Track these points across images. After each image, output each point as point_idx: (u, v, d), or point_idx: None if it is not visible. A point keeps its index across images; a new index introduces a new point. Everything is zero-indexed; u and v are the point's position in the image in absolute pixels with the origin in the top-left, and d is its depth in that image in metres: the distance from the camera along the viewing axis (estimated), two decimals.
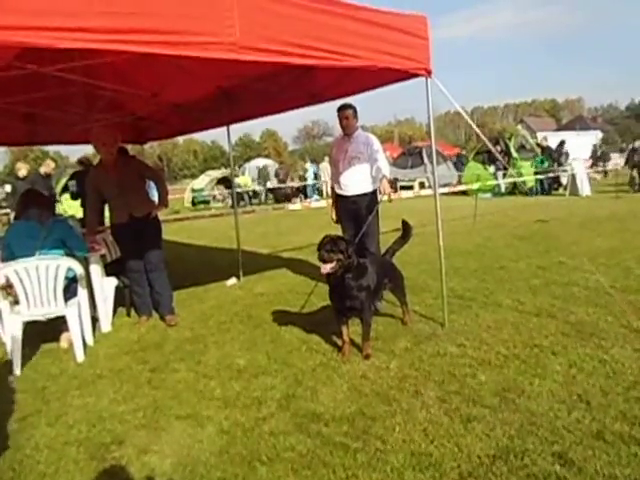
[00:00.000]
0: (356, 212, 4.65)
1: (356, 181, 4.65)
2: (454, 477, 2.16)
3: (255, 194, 22.68)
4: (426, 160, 19.56)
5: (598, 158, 21.63)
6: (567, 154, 16.79)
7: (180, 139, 63.63)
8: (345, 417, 2.77)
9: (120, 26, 2.40)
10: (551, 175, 15.56)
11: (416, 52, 3.76)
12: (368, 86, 4.70)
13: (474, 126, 4.32)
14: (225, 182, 22.36)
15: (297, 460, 2.43)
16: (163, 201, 5.12)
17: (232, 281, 6.36)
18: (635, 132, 21.63)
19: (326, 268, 3.48)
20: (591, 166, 18.93)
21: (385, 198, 4.38)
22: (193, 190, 23.44)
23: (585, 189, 14.77)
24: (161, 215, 5.22)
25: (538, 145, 17.80)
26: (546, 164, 16.31)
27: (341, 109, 4.62)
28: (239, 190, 20.15)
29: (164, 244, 5.14)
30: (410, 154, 21.91)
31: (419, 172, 19.89)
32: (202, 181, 24.10)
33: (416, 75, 3.87)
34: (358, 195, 4.65)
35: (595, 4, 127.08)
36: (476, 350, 3.48)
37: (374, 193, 4.64)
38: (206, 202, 22.75)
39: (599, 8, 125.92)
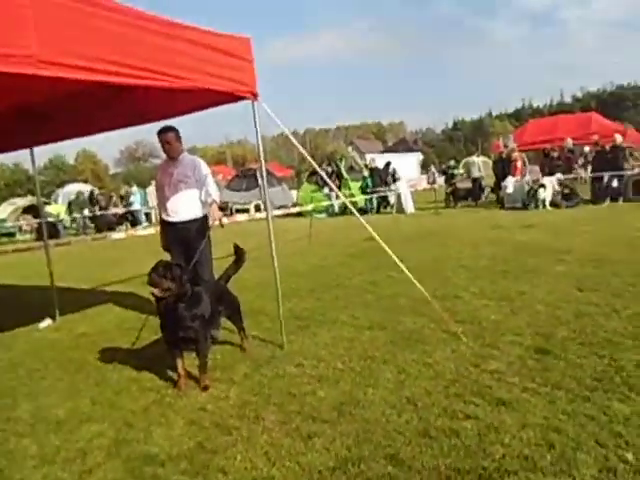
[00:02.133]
0: (186, 239, 4.47)
1: (184, 206, 4.48)
2: None
3: (73, 222, 20.49)
4: (260, 182, 19.89)
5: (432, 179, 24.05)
6: (394, 175, 18.26)
7: None
8: (183, 454, 2.65)
9: None
10: (379, 194, 16.87)
11: (241, 74, 3.71)
12: (194, 107, 4.53)
13: (301, 149, 4.51)
14: (33, 211, 19.82)
15: None
16: None
17: (46, 322, 5.63)
18: (450, 153, 25.49)
19: (155, 291, 3.33)
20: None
21: (216, 223, 4.33)
22: None
23: (409, 207, 16.35)
24: None
25: (366, 166, 19.11)
26: (371, 184, 17.53)
27: (161, 133, 4.39)
28: (51, 219, 17.99)
29: None
30: (244, 176, 21.97)
31: (254, 195, 19.96)
32: (4, 210, 21.15)
33: (243, 98, 3.83)
34: (187, 221, 4.49)
35: (414, 38, 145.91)
36: (314, 368, 3.61)
37: (204, 218, 4.50)
38: (10, 234, 19.88)
39: (418, 40, 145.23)
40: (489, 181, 17.48)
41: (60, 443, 2.91)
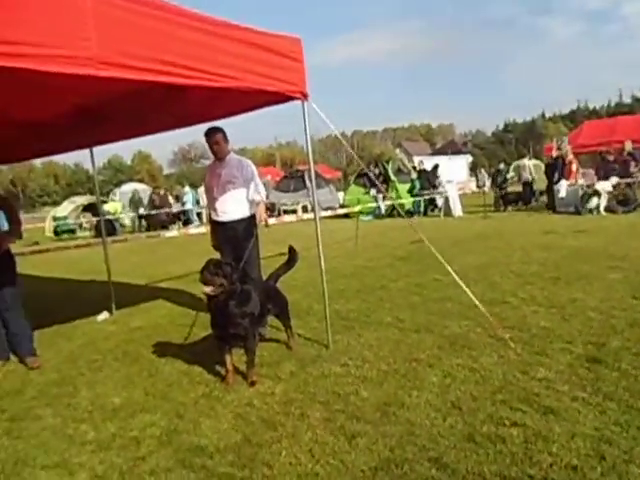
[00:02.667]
0: (235, 238, 4.58)
1: (232, 207, 4.59)
2: None
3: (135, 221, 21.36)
4: (308, 184, 19.99)
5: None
6: (439, 178, 17.89)
7: (37, 162, 57.62)
8: (230, 447, 2.74)
9: None
10: (427, 197, 16.64)
11: (291, 74, 3.71)
12: (243, 108, 4.56)
13: (350, 150, 4.54)
14: (93, 209, 20.77)
15: None
16: (14, 233, 4.62)
17: (103, 316, 5.93)
18: (500, 156, 24.54)
19: (206, 289, 3.44)
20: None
21: (262, 224, 4.40)
22: (55, 218, 21.35)
23: (457, 210, 15.97)
24: (15, 248, 4.74)
25: (414, 168, 18.82)
26: (418, 186, 17.28)
27: (209, 134, 4.49)
28: (109, 217, 18.87)
29: (22, 279, 4.68)
30: (292, 177, 22.02)
31: (302, 196, 20.05)
32: (65, 208, 22.18)
33: (292, 98, 3.83)
34: (235, 221, 4.59)
35: (465, 39, 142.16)
36: (359, 368, 3.63)
37: (251, 218, 4.58)
38: (71, 231, 20.95)
39: (469, 41, 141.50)
40: (541, 185, 16.85)
41: (115, 430, 3.08)
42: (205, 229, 5.16)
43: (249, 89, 3.49)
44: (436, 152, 53.24)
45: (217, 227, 4.77)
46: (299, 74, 3.81)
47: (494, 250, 8.29)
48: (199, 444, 2.81)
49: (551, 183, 14.62)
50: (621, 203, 12.72)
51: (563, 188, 13.88)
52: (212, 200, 4.74)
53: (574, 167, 14.33)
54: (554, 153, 15.29)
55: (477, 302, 4.17)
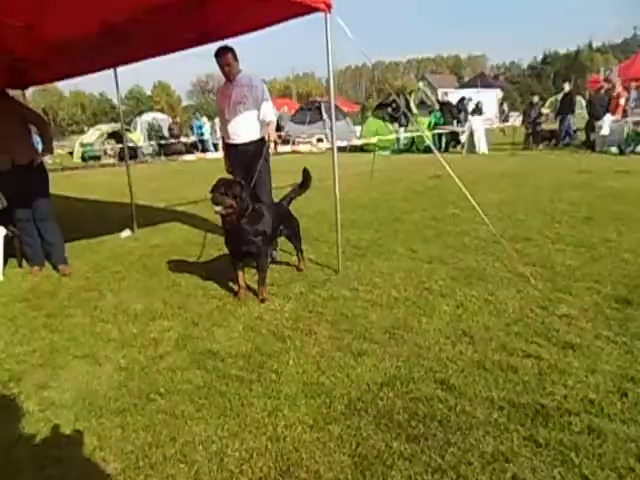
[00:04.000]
0: (246, 160, 4.51)
1: (243, 128, 4.50)
2: (344, 402, 2.29)
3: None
4: (325, 116, 19.28)
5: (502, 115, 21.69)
6: (466, 110, 16.90)
7: (66, 91, 57.93)
8: (241, 354, 2.84)
9: None
10: (448, 131, 15.64)
11: None
12: (265, 22, 4.45)
13: (379, 75, 4.25)
14: (116, 137, 20.87)
15: (194, 391, 2.48)
16: (48, 148, 4.82)
17: (126, 233, 6.13)
18: (536, 91, 22.58)
19: (217, 209, 3.45)
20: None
21: (271, 144, 4.31)
22: (82, 145, 21.77)
23: (482, 147, 14.96)
24: (48, 165, 4.94)
25: (438, 101, 17.79)
26: (442, 120, 16.23)
27: (219, 54, 4.33)
28: (131, 145, 18.91)
29: (53, 197, 4.88)
30: (308, 109, 21.30)
31: (317, 128, 19.53)
32: (91, 136, 22.35)
33: (315, 9, 3.67)
34: (247, 143, 4.52)
35: None
36: (368, 293, 3.63)
37: (262, 140, 4.49)
38: (97, 157, 21.19)
39: None
40: (580, 123, 15.81)
41: (137, 331, 3.28)
42: (221, 155, 5.12)
43: None
44: (464, 85, 49.84)
45: (230, 150, 4.71)
46: None
47: (520, 188, 7.95)
48: (212, 349, 2.93)
49: (592, 119, 13.50)
50: None
51: (607, 124, 12.59)
52: (224, 123, 4.65)
53: (622, 101, 13.03)
54: (601, 85, 14.10)
55: (496, 233, 4.00)
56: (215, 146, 21.27)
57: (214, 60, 4.41)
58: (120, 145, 19.19)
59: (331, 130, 4.29)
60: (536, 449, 1.91)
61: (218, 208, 3.44)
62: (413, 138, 16.52)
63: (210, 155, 12.44)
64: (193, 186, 10.23)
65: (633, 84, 14.06)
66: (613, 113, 12.97)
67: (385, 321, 3.15)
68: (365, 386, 2.42)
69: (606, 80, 14.85)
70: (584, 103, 15.81)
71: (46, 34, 5.19)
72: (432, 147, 5.65)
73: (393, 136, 15.70)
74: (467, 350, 2.71)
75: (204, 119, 22.83)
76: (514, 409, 2.16)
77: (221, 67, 4.41)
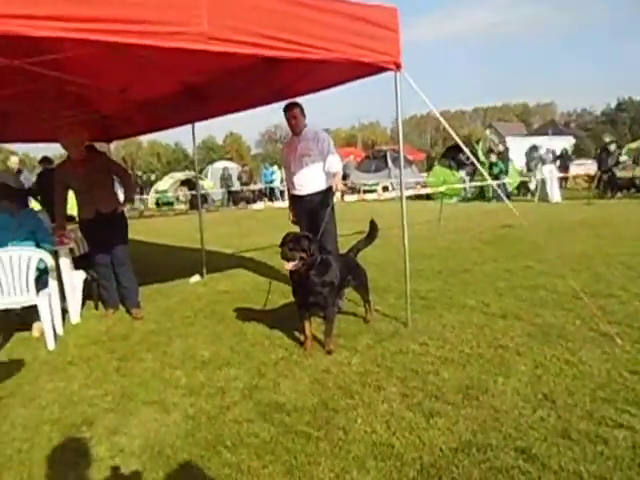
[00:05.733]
0: (312, 211, 4.61)
1: (309, 180, 4.61)
2: (416, 468, 2.17)
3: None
4: (390, 164, 19.49)
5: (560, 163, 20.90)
6: (541, 158, 16.54)
7: (144, 141, 62.69)
8: (307, 408, 2.78)
9: (86, 14, 2.39)
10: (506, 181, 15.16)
11: (385, 45, 3.67)
12: (335, 81, 4.60)
13: (445, 123, 4.18)
14: (188, 184, 22.19)
15: (260, 446, 2.44)
16: (129, 197, 5.23)
17: (195, 278, 6.33)
18: (611, 138, 21.66)
19: (289, 265, 3.49)
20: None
21: (338, 194, 4.39)
22: (157, 191, 23.31)
23: (555, 195, 14.48)
24: (127, 213, 5.26)
25: (492, 151, 17.33)
26: (496, 170, 15.82)
27: (288, 109, 4.55)
28: (202, 192, 19.95)
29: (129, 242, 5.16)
30: (374, 157, 21.74)
31: (383, 176, 19.76)
32: (166, 183, 23.95)
33: (385, 69, 3.78)
34: (312, 194, 4.62)
35: (574, 5, 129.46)
36: (439, 349, 3.49)
37: (328, 190, 4.59)
38: (170, 203, 22.53)
39: (577, 10, 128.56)
40: None
41: (204, 379, 3.31)
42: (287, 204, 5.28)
43: (343, 60, 3.48)
44: (533, 133, 48.34)
45: (295, 201, 4.83)
46: (393, 44, 3.74)
47: (599, 239, 7.51)
48: (278, 401, 2.90)
49: None
50: None
51: None
52: (290, 175, 4.80)
53: None
54: None
55: (579, 291, 3.75)
56: (282, 194, 22.00)
57: (282, 113, 4.62)
58: (192, 192, 20.33)
59: (400, 181, 4.30)
60: None
61: (289, 265, 3.50)
62: (482, 187, 16.25)
63: (278, 204, 12.84)
64: (261, 233, 10.54)
65: None
66: None
67: (458, 380, 3.00)
68: (438, 451, 2.28)
69: None
70: None
71: (135, 96, 5.74)
72: (502, 195, 5.51)
73: (460, 185, 15.49)
74: (549, 416, 2.51)
75: (275, 167, 23.74)
76: None
77: (288, 121, 4.61)
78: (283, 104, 4.68)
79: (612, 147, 15.54)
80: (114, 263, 4.94)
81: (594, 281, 4.98)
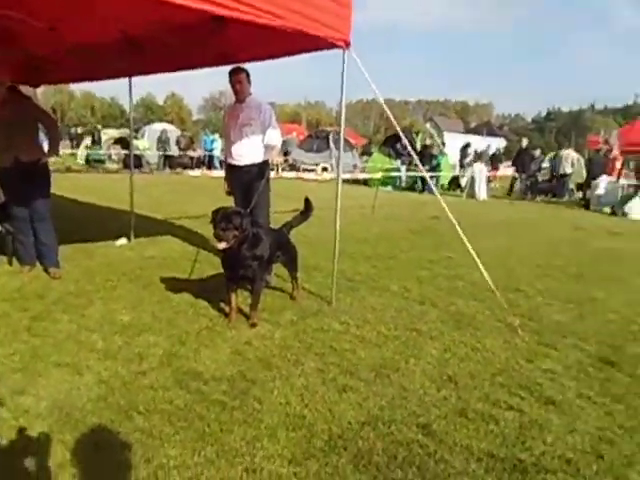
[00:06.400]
0: (247, 183, 4.56)
1: (247, 150, 4.55)
2: (324, 438, 2.28)
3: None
4: (332, 145, 19.51)
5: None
6: (471, 156, 17.40)
7: (78, 92, 58.49)
8: (225, 378, 2.82)
9: None
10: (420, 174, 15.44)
11: (336, 20, 3.61)
12: (282, 52, 4.52)
13: (386, 109, 4.24)
14: (122, 143, 21.03)
15: (174, 412, 2.45)
16: (53, 149, 4.82)
17: (122, 241, 6.10)
18: (538, 144, 23.60)
19: (221, 245, 3.46)
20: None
21: (273, 169, 4.39)
22: (87, 147, 21.88)
23: (482, 193, 15.27)
24: (51, 165, 4.92)
25: (443, 144, 18.36)
26: (434, 163, 16.36)
27: (234, 72, 4.43)
28: (137, 152, 19.04)
29: (52, 197, 4.84)
30: (317, 137, 21.61)
31: (324, 157, 19.76)
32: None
33: (334, 46, 3.72)
34: (249, 165, 4.57)
35: (521, 13, 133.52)
36: (359, 329, 3.64)
37: (265, 163, 4.56)
38: (101, 161, 21.24)
39: (525, 15, 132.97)
40: (577, 180, 16.13)
41: (122, 344, 3.23)
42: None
43: (293, 30, 3.40)
44: (470, 131, 50.51)
45: (232, 171, 4.75)
46: (345, 21, 3.69)
47: (517, 238, 8.12)
48: (196, 370, 2.91)
49: (590, 178, 13.99)
50: None
51: (603, 184, 13.18)
52: (229, 143, 4.71)
53: (618, 164, 13.69)
54: (600, 146, 14.63)
55: (490, 282, 4.04)
56: (222, 164, 21.46)
57: (228, 78, 4.49)
58: (126, 151, 19.35)
59: (338, 162, 4.36)
60: None
61: (222, 245, 3.46)
62: (416, 177, 16.77)
63: (215, 173, 12.55)
64: (194, 201, 10.26)
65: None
66: (609, 174, 13.37)
67: (373, 358, 3.15)
68: (347, 424, 2.41)
69: (605, 142, 15.33)
70: (582, 162, 16.20)
71: (65, 36, 5.21)
72: (433, 188, 5.73)
73: (397, 173, 15.90)
74: (451, 396, 2.72)
75: (216, 135, 23.03)
76: (492, 461, 2.16)
77: (233, 85, 4.50)
78: (228, 69, 4.54)
79: (537, 153, 16.60)
80: (33, 217, 4.64)
81: (506, 276, 5.36)
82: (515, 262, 6.17)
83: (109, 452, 2.16)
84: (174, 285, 4.38)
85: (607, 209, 12.88)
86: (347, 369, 2.98)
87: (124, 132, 21.80)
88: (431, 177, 15.07)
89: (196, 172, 15.88)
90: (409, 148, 5.56)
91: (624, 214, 12.13)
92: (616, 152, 14.03)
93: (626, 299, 4.75)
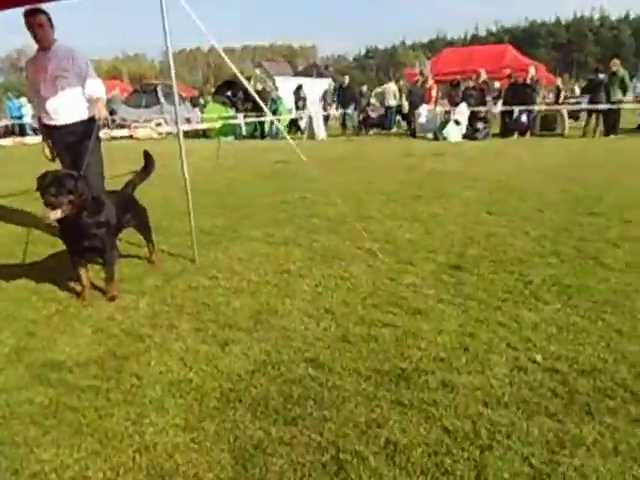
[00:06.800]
0: (73, 144, 4.02)
1: (66, 106, 4.00)
2: (216, 396, 2.19)
3: None
4: (162, 99, 18.44)
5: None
6: (305, 98, 17.74)
7: None
8: (92, 361, 2.52)
9: None
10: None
11: None
12: None
13: (225, 57, 4.02)
14: None
15: (38, 412, 2.13)
16: None
17: None
18: (362, 81, 25.43)
19: (56, 214, 2.96)
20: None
21: (101, 123, 3.91)
22: None
23: (321, 133, 15.82)
24: None
25: (277, 88, 18.33)
26: (274, 107, 16.52)
27: (29, 14, 3.79)
28: None
29: None
30: (144, 92, 20.23)
31: (155, 111, 18.64)
32: None
33: None
34: (72, 124, 4.03)
35: None
36: (229, 280, 3.55)
37: (92, 120, 4.02)
38: None
39: None
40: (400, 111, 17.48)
41: None
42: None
43: None
44: (299, 74, 51.45)
45: (51, 133, 4.12)
46: None
47: (358, 170, 8.58)
48: (55, 360, 2.55)
49: (412, 108, 15.25)
50: (475, 130, 13.66)
51: (424, 113, 14.55)
52: (41, 100, 4.04)
53: (434, 92, 15.11)
54: (417, 78, 15.93)
55: (347, 216, 4.19)
56: (35, 131, 18.66)
57: (25, 29, 3.78)
58: None
59: (175, 113, 4.02)
60: (403, 411, 2.05)
61: (56, 214, 2.95)
62: (255, 125, 16.58)
63: (30, 140, 10.83)
64: (12, 175, 8.85)
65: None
66: (427, 102, 14.74)
67: (249, 307, 3.10)
68: (236, 376, 2.35)
69: (421, 73, 16.75)
70: (402, 94, 17.50)
71: None
72: (282, 131, 5.69)
73: (235, 121, 15.52)
74: (331, 327, 2.80)
75: (23, 99, 19.78)
76: (379, 376, 2.30)
77: (32, 30, 3.84)
78: (21, 23, 3.81)
79: (364, 89, 17.61)
80: None
81: (357, 207, 5.65)
82: (361, 193, 6.52)
83: None
84: (7, 274, 3.74)
85: (430, 135, 14.27)
86: (225, 322, 2.89)
87: None
88: (271, 122, 15.08)
89: (6, 141, 13.48)
90: (253, 93, 5.38)
91: (444, 138, 13.55)
92: (431, 82, 15.41)
93: (460, 211, 5.35)
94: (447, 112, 14.31)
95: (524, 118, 13.74)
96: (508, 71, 15.55)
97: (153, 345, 2.66)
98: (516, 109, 13.68)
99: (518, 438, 1.87)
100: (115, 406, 2.15)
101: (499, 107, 14.34)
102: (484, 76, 14.92)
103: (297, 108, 17.32)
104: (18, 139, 13.77)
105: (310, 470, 1.76)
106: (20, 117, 19.08)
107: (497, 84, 16.59)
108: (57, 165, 4.19)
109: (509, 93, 14.33)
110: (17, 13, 4.08)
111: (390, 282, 3.42)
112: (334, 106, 17.92)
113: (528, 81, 14.12)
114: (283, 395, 2.19)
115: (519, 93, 13.82)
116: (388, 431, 1.93)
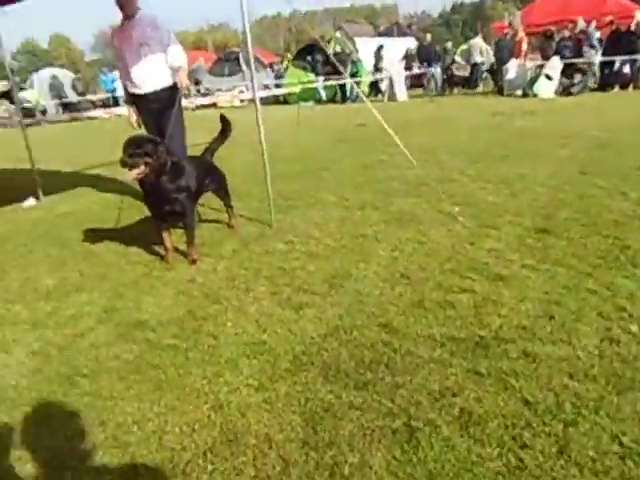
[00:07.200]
0: (158, 112, 4.10)
1: (150, 75, 4.05)
2: (288, 359, 2.21)
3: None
4: (244, 67, 18.57)
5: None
6: (383, 59, 16.97)
7: None
8: (173, 321, 2.65)
9: None
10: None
11: None
12: None
13: (296, 25, 3.96)
14: (9, 97, 18.76)
15: (123, 368, 2.28)
16: None
17: (30, 202, 5.54)
18: (447, 39, 23.81)
19: (132, 174, 3.08)
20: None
21: (184, 91, 3.97)
22: None
23: (402, 94, 15.17)
24: None
25: (357, 50, 17.71)
26: (354, 70, 16.12)
27: None
28: (28, 105, 17.09)
29: None
30: (227, 60, 20.50)
31: (238, 80, 18.87)
32: None
33: None
34: (156, 92, 4.09)
35: None
36: (304, 245, 3.54)
37: (174, 88, 4.07)
38: None
39: None
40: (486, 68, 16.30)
41: (51, 310, 2.94)
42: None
43: None
44: (381, 34, 49.91)
45: (137, 101, 4.22)
46: None
47: (441, 132, 8.17)
48: (140, 319, 2.71)
49: (500, 63, 14.14)
50: (571, 84, 12.42)
51: (513, 68, 13.41)
52: (126, 69, 4.13)
53: (524, 46, 13.81)
54: (506, 31, 14.67)
55: (427, 178, 4.01)
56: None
57: (115, 8, 3.89)
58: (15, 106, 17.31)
59: (252, 80, 3.97)
60: (479, 380, 1.94)
61: (133, 173, 3.07)
62: (335, 88, 16.30)
63: (122, 111, 11.55)
64: (105, 146, 9.38)
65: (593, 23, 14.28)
66: (517, 57, 13.55)
67: (323, 271, 3.08)
68: (309, 339, 2.35)
69: (509, 25, 15.33)
70: (490, 50, 16.22)
71: None
72: (361, 94, 5.51)
73: (315, 84, 15.37)
74: (406, 292, 2.71)
75: (116, 73, 21.01)
76: (455, 344, 2.19)
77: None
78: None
79: (449, 45, 16.51)
80: None
81: (438, 169, 5.40)
82: (444, 154, 6.19)
83: (56, 424, 1.97)
84: (99, 238, 4.02)
85: (519, 92, 13.17)
86: (300, 286, 2.89)
87: (8, 85, 19.39)
88: (352, 85, 14.74)
89: (100, 113, 14.38)
90: (331, 56, 5.24)
91: (535, 95, 12.46)
92: (521, 34, 14.07)
93: (550, 172, 4.91)
94: (538, 67, 13.09)
95: (627, 69, 12.26)
96: (610, 18, 13.73)
97: (230, 307, 2.73)
98: (618, 59, 12.22)
99: (607, 414, 1.71)
100: (193, 364, 2.24)
101: (599, 57, 12.85)
102: (582, 24, 13.39)
103: (377, 69, 16.73)
104: (113, 109, 14.66)
105: (380, 436, 1.73)
106: (113, 90, 20.18)
107: (598, 33, 14.82)
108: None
109: (610, 42, 12.79)
110: None
111: (470, 247, 3.23)
112: (416, 66, 17.07)
113: (632, 28, 12.47)
114: (355, 359, 2.16)
115: (622, 42, 12.29)
116: (463, 400, 1.84)
